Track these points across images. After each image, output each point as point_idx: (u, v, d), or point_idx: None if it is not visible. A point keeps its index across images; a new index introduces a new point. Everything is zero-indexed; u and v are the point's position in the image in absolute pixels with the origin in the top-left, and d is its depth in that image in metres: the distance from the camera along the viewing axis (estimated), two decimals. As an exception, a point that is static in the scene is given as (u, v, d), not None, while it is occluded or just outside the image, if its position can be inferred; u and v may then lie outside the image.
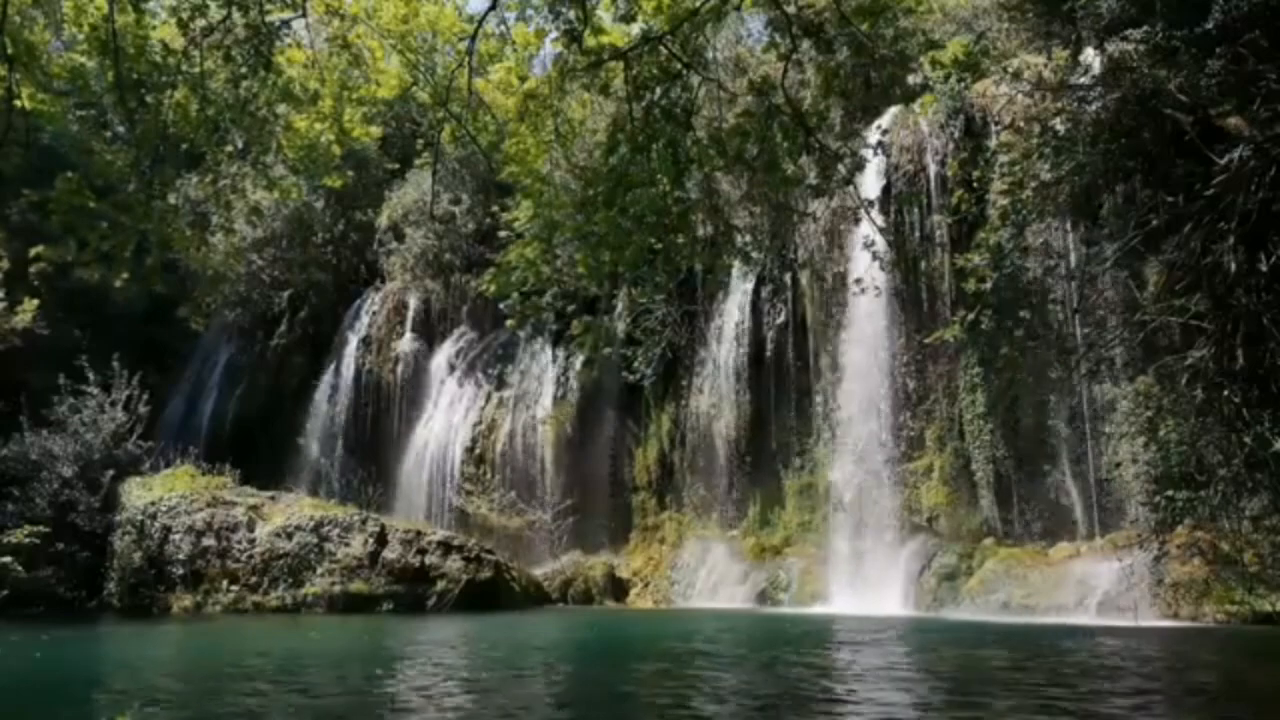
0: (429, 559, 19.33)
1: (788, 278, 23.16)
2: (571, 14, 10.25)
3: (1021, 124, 14.44)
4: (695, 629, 16.42)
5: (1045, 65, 15.27)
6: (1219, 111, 10.45)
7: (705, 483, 23.58)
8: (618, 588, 23.18)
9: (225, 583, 18.98)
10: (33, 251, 10.98)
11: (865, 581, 19.29)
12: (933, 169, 20.70)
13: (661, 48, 10.02)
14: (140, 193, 11.05)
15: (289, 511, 20.15)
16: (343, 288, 31.60)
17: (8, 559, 17.55)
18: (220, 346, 31.97)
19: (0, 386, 21.61)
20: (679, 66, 10.06)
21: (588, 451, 25.24)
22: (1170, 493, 12.40)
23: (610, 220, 10.67)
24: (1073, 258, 17.73)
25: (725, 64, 23.53)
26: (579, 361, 25.83)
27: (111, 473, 20.14)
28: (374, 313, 30.19)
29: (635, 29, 11.14)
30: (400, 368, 28.94)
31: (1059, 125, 12.46)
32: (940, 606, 17.87)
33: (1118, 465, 16.56)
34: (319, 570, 19.08)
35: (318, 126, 13.85)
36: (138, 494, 20.17)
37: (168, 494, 20.11)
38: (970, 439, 19.27)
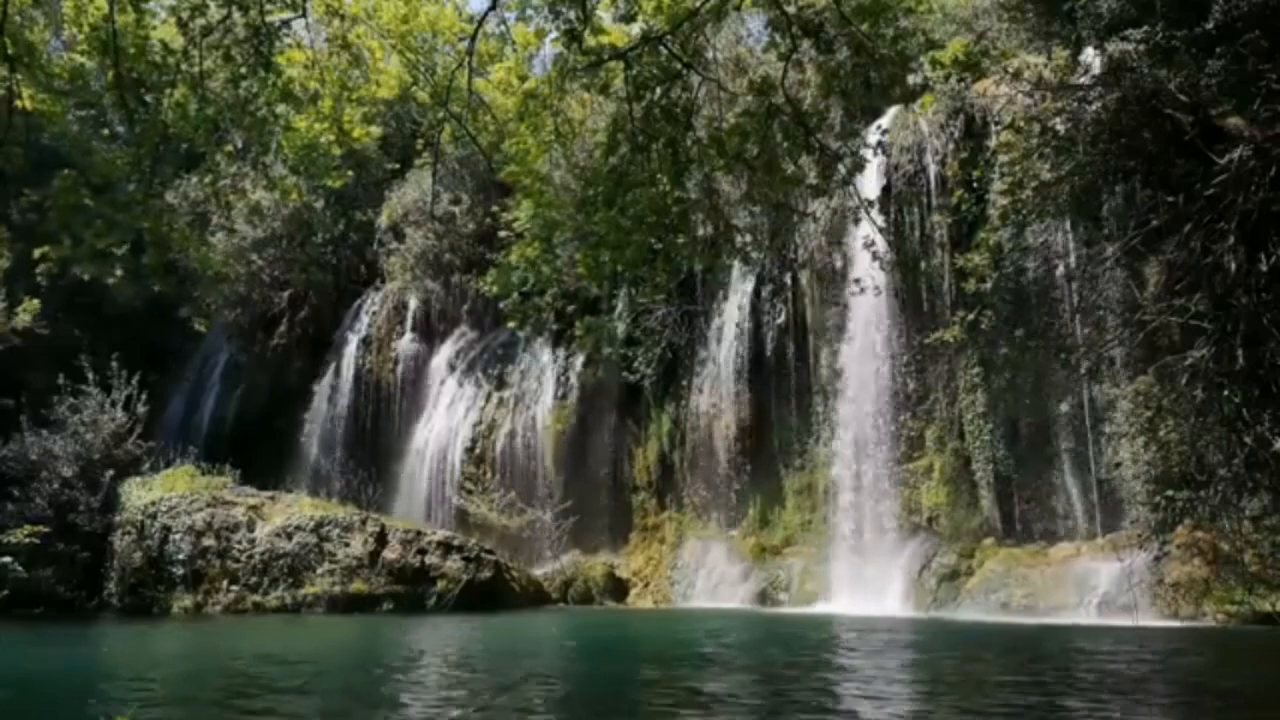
0: (429, 559, 19.33)
1: (788, 278, 23.14)
2: (571, 14, 10.24)
3: (1021, 124, 14.39)
4: (695, 630, 16.42)
5: (1045, 65, 15.26)
6: (1219, 111, 10.44)
7: (705, 483, 23.57)
8: (618, 588, 23.17)
9: (225, 583, 18.99)
10: (38, 252, 11.02)
11: (865, 581, 19.27)
12: (933, 169, 20.69)
13: (661, 48, 10.01)
14: (139, 192, 11.04)
15: (289, 511, 20.14)
16: (343, 288, 31.55)
17: (8, 559, 17.54)
18: (220, 346, 31.95)
19: (0, 386, 21.59)
20: (679, 66, 10.05)
21: (588, 451, 25.22)
22: (1170, 493, 12.38)
23: (610, 220, 10.66)
24: (1073, 258, 17.72)
25: (725, 64, 23.46)
26: (579, 361, 25.81)
27: (111, 473, 20.15)
28: (374, 313, 30.17)
29: (635, 29, 11.13)
30: (400, 368, 28.93)
31: (1059, 125, 12.43)
32: (940, 606, 17.85)
33: (1118, 465, 16.54)
34: (319, 570, 19.08)
35: (318, 126, 13.80)
36: (138, 494, 20.17)
37: (168, 494, 20.11)
38: (970, 439, 19.25)
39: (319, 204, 29.90)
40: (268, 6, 10.24)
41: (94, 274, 10.89)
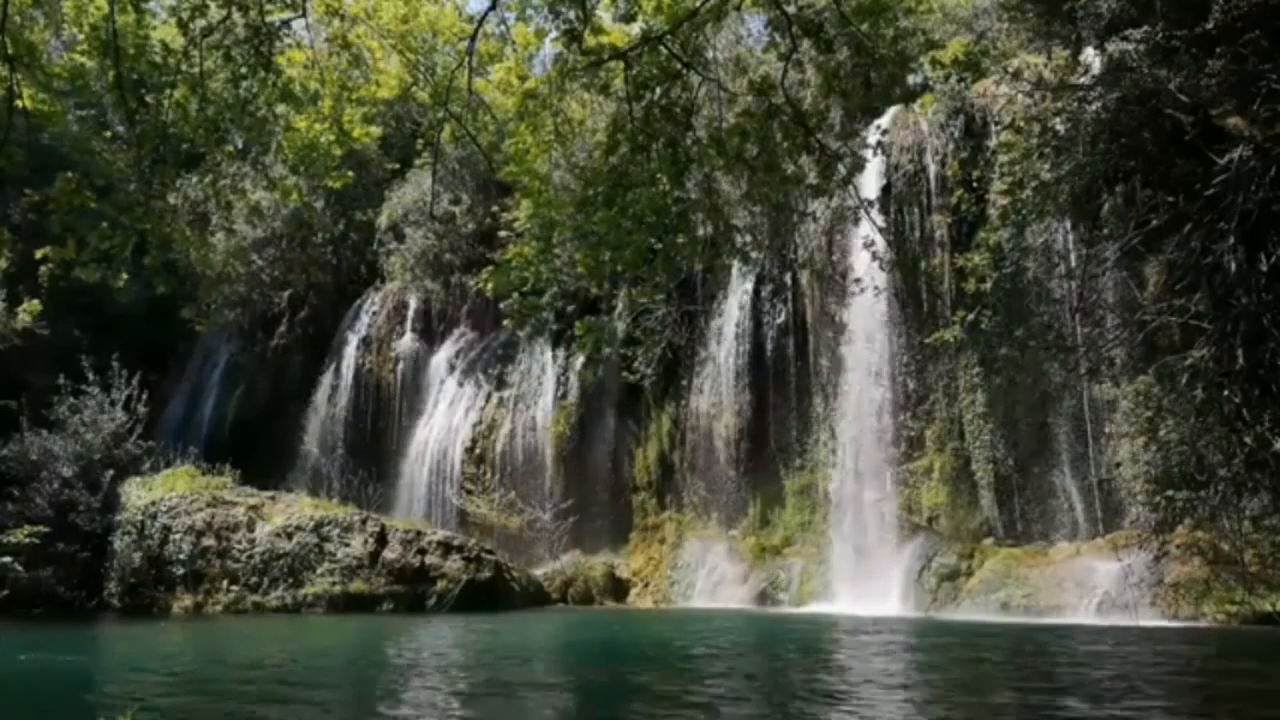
0: (429, 559, 19.33)
1: (788, 278, 23.15)
2: (571, 14, 10.24)
3: (1021, 124, 14.40)
4: (696, 630, 16.42)
5: (1045, 65, 15.25)
6: (1219, 111, 10.43)
7: (705, 483, 23.57)
8: (618, 588, 23.17)
9: (225, 583, 18.98)
10: (39, 253, 11.02)
11: (865, 582, 19.28)
12: (933, 169, 20.70)
13: (661, 48, 10.02)
14: (140, 193, 11.04)
15: (289, 511, 20.14)
16: (343, 288, 31.57)
17: (8, 559, 17.54)
18: (220, 347, 31.96)
19: (0, 386, 21.58)
20: (679, 66, 10.05)
21: (588, 451, 25.23)
22: (1170, 493, 12.38)
23: (610, 220, 10.66)
24: (1073, 258, 17.71)
25: (725, 64, 23.49)
26: (579, 361, 25.82)
27: (111, 473, 20.13)
28: (374, 313, 30.18)
29: (635, 29, 11.14)
30: (400, 368, 28.94)
31: (1059, 125, 12.43)
32: (940, 607, 17.86)
33: (1118, 465, 16.55)
34: (319, 570, 19.07)
35: (318, 127, 13.82)
36: (138, 494, 20.16)
37: (168, 494, 20.11)
38: (970, 439, 19.26)
39: (319, 204, 29.90)
40: (268, 6, 10.23)
41: (99, 279, 10.88)
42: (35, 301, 22.09)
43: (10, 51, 9.82)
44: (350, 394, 28.96)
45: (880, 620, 16.73)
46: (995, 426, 18.89)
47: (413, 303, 29.78)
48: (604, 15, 11.66)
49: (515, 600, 20.10)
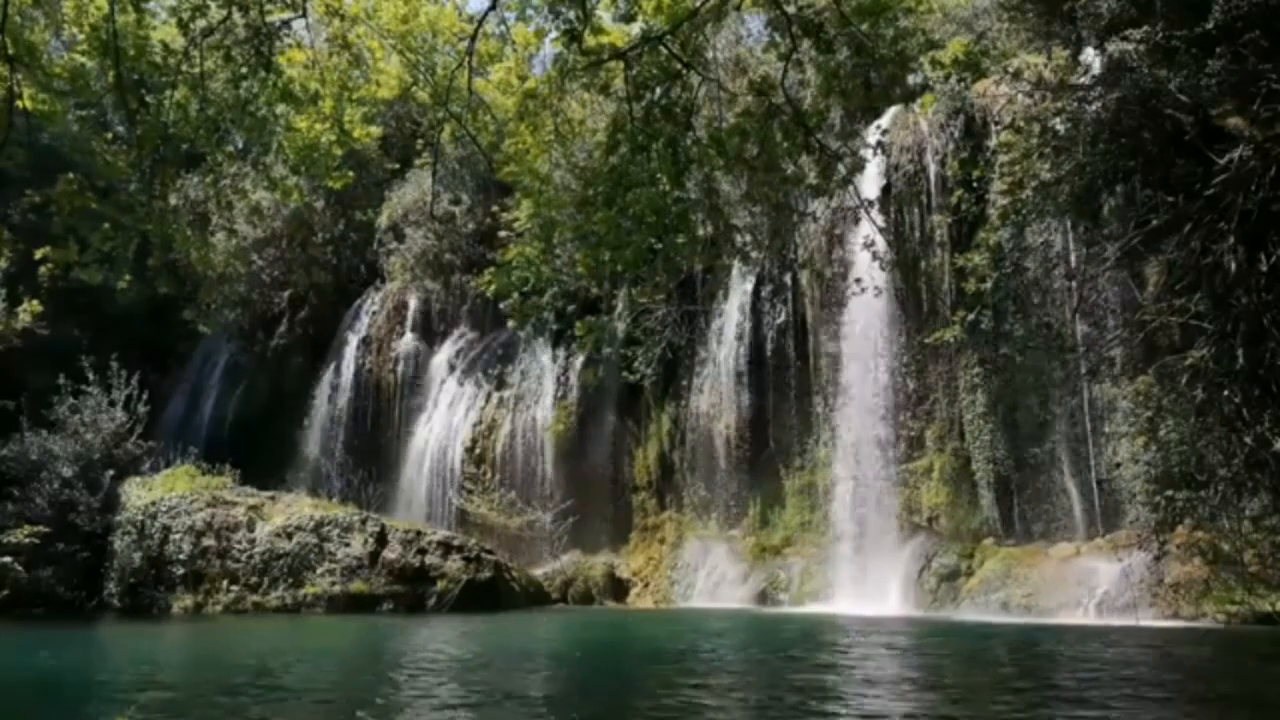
0: (429, 559, 19.33)
1: (788, 278, 23.15)
2: (571, 14, 10.25)
3: (1021, 124, 14.42)
4: (696, 630, 16.42)
5: (1045, 65, 15.26)
6: (1219, 111, 10.44)
7: (705, 483, 23.58)
8: (618, 588, 23.17)
9: (225, 583, 18.98)
10: (39, 253, 11.00)
11: (865, 581, 19.28)
12: (933, 169, 20.69)
13: (661, 48, 10.02)
14: (141, 193, 11.05)
15: (289, 511, 20.14)
16: (343, 288, 31.57)
17: (8, 559, 17.54)
18: (220, 347, 31.96)
19: (0, 386, 21.58)
20: (679, 66, 10.06)
21: (588, 451, 25.23)
22: (1170, 493, 12.38)
23: (610, 220, 10.68)
24: (1073, 258, 17.72)
25: (725, 64, 23.51)
26: (579, 361, 25.82)
27: (111, 473, 20.14)
28: (374, 313, 30.18)
29: (635, 29, 11.15)
30: (400, 368, 28.94)
31: (1059, 125, 12.45)
32: (940, 607, 17.86)
33: (1118, 465, 16.54)
34: (319, 570, 19.08)
35: (318, 127, 13.83)
36: (138, 494, 20.16)
37: (168, 494, 20.11)
38: (970, 439, 19.26)
39: (319, 204, 29.90)
40: (268, 6, 10.24)
41: (101, 280, 10.87)
42: (35, 302, 22.09)
43: (10, 51, 9.83)
44: (350, 394, 28.97)
45: (880, 620, 16.73)
46: (995, 426, 18.89)
47: (413, 303, 29.78)
48: (604, 15, 11.67)
49: (515, 600, 20.10)
